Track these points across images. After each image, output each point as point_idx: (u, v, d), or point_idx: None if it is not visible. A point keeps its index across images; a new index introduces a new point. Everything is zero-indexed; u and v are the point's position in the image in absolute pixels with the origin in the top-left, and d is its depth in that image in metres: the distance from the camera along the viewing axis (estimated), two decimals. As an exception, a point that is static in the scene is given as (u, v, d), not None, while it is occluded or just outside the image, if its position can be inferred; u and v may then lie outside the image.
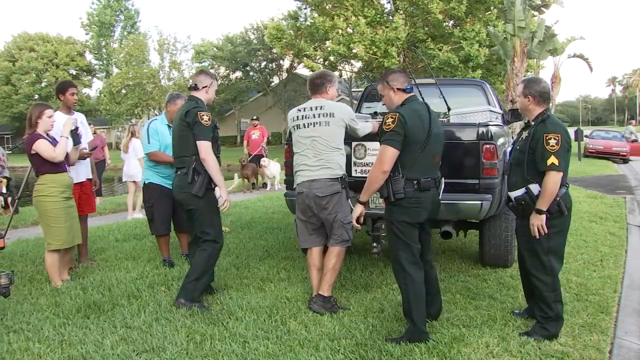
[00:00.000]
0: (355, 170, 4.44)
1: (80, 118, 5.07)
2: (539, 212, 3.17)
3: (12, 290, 3.74)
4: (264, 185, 12.31)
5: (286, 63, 37.74)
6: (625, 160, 20.23)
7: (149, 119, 9.32)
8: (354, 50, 21.83)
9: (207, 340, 3.23)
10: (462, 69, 20.36)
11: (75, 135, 4.49)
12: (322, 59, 25.33)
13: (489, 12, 21.32)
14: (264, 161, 11.56)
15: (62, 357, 3.08)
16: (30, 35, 47.36)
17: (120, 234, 6.72)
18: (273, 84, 39.55)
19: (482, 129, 4.16)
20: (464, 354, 3.04)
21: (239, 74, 40.56)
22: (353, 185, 4.08)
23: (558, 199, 3.18)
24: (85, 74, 48.87)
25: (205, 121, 3.76)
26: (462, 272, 4.71)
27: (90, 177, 5.20)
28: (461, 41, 20.35)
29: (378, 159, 3.17)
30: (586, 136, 21.78)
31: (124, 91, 38.18)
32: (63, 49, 45.76)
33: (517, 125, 9.53)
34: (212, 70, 37.26)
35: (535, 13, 16.09)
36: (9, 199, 5.63)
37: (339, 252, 3.81)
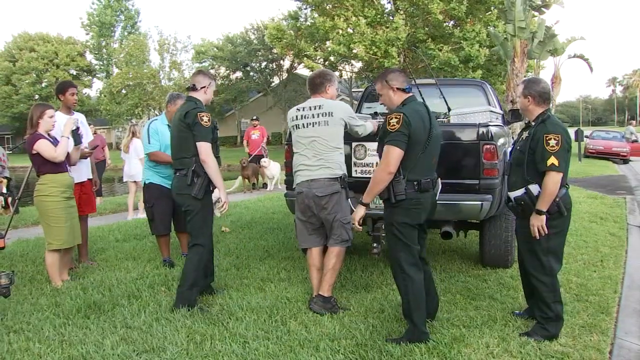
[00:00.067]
0: (356, 171, 4.44)
1: (80, 118, 5.08)
2: (539, 212, 3.17)
3: (12, 290, 3.75)
4: (264, 185, 12.31)
5: (286, 63, 37.74)
6: (626, 161, 20.23)
7: (149, 119, 9.32)
8: (354, 51, 21.81)
9: (207, 341, 3.23)
10: (463, 69, 20.36)
11: (76, 135, 4.50)
12: (322, 59, 25.33)
13: (490, 12, 21.31)
14: (264, 161, 11.56)
15: (62, 357, 3.08)
16: (30, 35, 47.37)
17: (120, 234, 6.72)
18: (273, 84, 39.55)
19: (482, 130, 4.16)
20: (464, 355, 3.04)
21: (239, 74, 40.56)
22: (353, 185, 4.08)
23: (558, 199, 3.18)
24: (85, 74, 48.88)
25: (205, 122, 3.75)
26: (462, 273, 4.71)
27: (91, 177, 5.21)
28: (461, 41, 20.35)
29: (383, 160, 3.13)
30: (586, 136, 21.80)
31: (124, 91, 38.20)
32: (63, 49, 45.76)
33: (518, 126, 9.53)
34: (212, 71, 37.31)
35: (536, 13, 16.07)
36: (9, 199, 5.64)
37: (339, 252, 3.81)
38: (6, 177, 5.67)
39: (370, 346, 3.14)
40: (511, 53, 15.11)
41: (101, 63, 49.45)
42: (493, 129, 4.21)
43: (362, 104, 6.47)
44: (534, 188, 3.22)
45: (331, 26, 21.48)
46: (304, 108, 3.84)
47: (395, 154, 3.08)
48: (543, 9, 15.58)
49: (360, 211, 3.32)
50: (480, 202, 4.12)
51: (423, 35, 21.43)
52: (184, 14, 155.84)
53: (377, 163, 3.80)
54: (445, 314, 3.66)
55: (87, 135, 5.30)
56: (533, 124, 3.32)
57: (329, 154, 3.71)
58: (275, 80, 39.68)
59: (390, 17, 22.50)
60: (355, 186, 4.21)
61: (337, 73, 26.72)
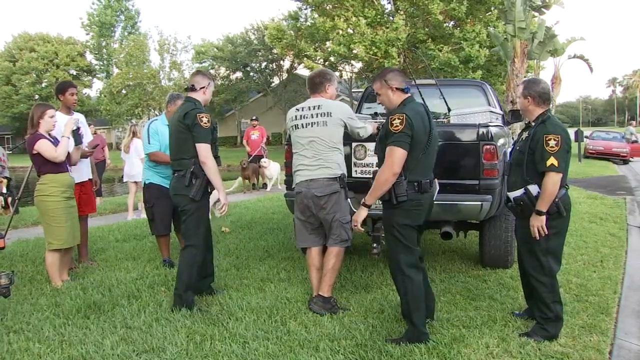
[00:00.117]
0: (356, 171, 4.44)
1: (79, 118, 5.07)
2: (539, 213, 3.17)
3: (12, 291, 3.74)
4: (264, 185, 12.31)
5: (286, 63, 37.75)
6: (626, 161, 20.24)
7: (149, 119, 9.33)
8: (354, 51, 21.82)
9: (207, 341, 3.23)
10: (463, 70, 20.36)
11: (76, 135, 4.51)
12: (322, 60, 25.33)
13: (490, 12, 21.33)
14: (264, 161, 11.56)
15: (62, 357, 3.08)
16: (30, 35, 47.36)
17: (120, 234, 6.72)
18: (273, 84, 39.55)
19: (482, 130, 4.16)
20: (463, 355, 3.04)
21: (239, 74, 40.56)
22: (353, 185, 4.08)
23: (557, 200, 3.18)
24: (85, 74, 48.88)
25: (205, 123, 3.73)
26: (462, 273, 4.71)
27: (92, 177, 5.21)
28: (461, 42, 20.36)
29: (388, 161, 3.10)
30: (586, 137, 21.81)
31: (124, 91, 38.21)
32: (63, 49, 45.75)
33: (518, 126, 9.53)
34: (212, 71, 37.29)
35: (536, 14, 16.06)
36: (9, 199, 5.64)
37: (338, 252, 3.80)
38: (6, 177, 5.67)
39: (370, 346, 3.14)
40: (511, 53, 15.12)
41: (101, 63, 49.48)
42: (493, 130, 4.22)
43: (362, 105, 6.47)
44: (533, 188, 3.22)
45: (331, 26, 21.49)
46: (303, 108, 3.84)
47: (399, 154, 3.07)
48: (543, 9, 15.58)
49: (362, 213, 3.29)
50: (480, 203, 4.12)
51: (423, 36, 21.44)
52: (184, 14, 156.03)
53: (376, 163, 3.80)
54: (445, 314, 3.67)
55: (87, 135, 5.30)
56: (533, 124, 3.32)
57: (327, 154, 3.71)
58: (275, 81, 39.69)
59: (391, 18, 22.51)
60: (355, 186, 4.21)
61: (337, 73, 26.72)
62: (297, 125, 3.81)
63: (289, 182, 4.45)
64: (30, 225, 7.70)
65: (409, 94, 3.29)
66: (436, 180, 3.36)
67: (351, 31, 21.74)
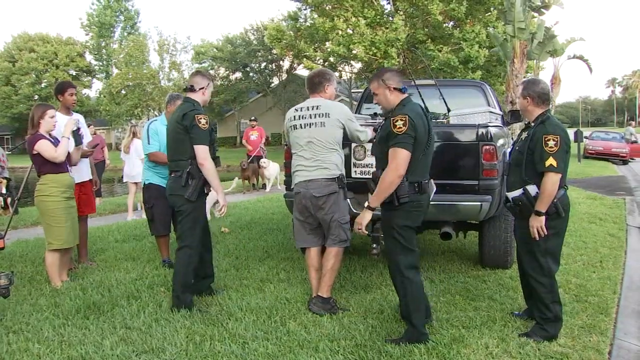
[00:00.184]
0: (355, 172, 4.44)
1: (79, 118, 5.07)
2: (538, 213, 3.17)
3: (11, 291, 3.74)
4: (264, 186, 12.32)
5: (286, 64, 37.77)
6: (625, 162, 20.24)
7: (148, 119, 9.33)
8: (354, 51, 21.83)
9: (207, 341, 3.23)
10: (462, 70, 20.37)
11: (76, 135, 4.51)
12: (321, 60, 25.34)
13: (489, 13, 21.34)
14: (264, 162, 11.56)
15: (61, 357, 3.08)
16: (30, 35, 47.37)
17: (119, 235, 6.72)
18: (273, 84, 39.56)
19: (481, 130, 4.16)
20: (463, 355, 3.04)
21: (238, 74, 40.56)
22: (353, 186, 4.07)
23: (556, 200, 3.18)
24: (85, 74, 48.88)
25: (203, 124, 3.71)
26: (461, 273, 4.71)
27: (92, 177, 5.21)
28: (461, 42, 20.36)
29: (392, 163, 3.06)
30: (586, 137, 21.80)
31: (123, 92, 38.22)
32: (63, 49, 45.76)
33: (517, 126, 9.54)
34: (211, 71, 37.29)
35: (535, 14, 16.07)
36: (9, 200, 5.63)
37: (337, 253, 3.80)
38: (6, 178, 5.66)
39: (370, 347, 3.14)
40: (511, 54, 15.12)
41: (101, 64, 49.47)
42: (492, 130, 4.22)
43: (362, 105, 6.47)
44: (531, 189, 3.22)
45: (331, 27, 21.50)
46: (302, 108, 3.84)
47: (404, 156, 3.05)
48: (542, 9, 15.59)
49: (367, 216, 3.24)
50: (479, 203, 4.12)
51: (423, 36, 21.44)
52: (183, 15, 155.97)
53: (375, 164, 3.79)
54: (445, 314, 3.67)
55: (86, 136, 5.30)
56: (532, 124, 3.32)
57: (325, 155, 3.70)
58: (275, 81, 39.70)
59: (390, 18, 22.52)
60: (355, 187, 4.21)
61: (336, 74, 26.70)
62: (295, 126, 3.80)
63: (288, 182, 4.45)
64: (30, 226, 7.70)
65: (406, 94, 3.29)
66: (432, 180, 3.35)
67: (351, 31, 21.75)
